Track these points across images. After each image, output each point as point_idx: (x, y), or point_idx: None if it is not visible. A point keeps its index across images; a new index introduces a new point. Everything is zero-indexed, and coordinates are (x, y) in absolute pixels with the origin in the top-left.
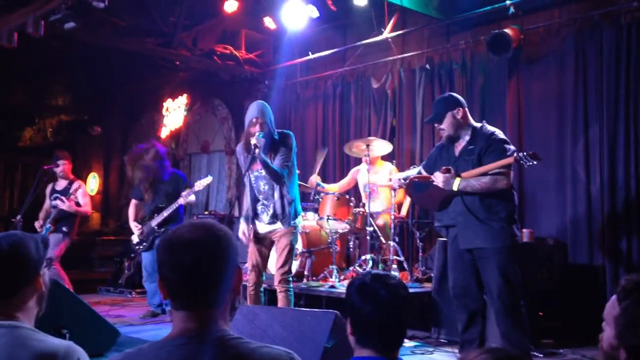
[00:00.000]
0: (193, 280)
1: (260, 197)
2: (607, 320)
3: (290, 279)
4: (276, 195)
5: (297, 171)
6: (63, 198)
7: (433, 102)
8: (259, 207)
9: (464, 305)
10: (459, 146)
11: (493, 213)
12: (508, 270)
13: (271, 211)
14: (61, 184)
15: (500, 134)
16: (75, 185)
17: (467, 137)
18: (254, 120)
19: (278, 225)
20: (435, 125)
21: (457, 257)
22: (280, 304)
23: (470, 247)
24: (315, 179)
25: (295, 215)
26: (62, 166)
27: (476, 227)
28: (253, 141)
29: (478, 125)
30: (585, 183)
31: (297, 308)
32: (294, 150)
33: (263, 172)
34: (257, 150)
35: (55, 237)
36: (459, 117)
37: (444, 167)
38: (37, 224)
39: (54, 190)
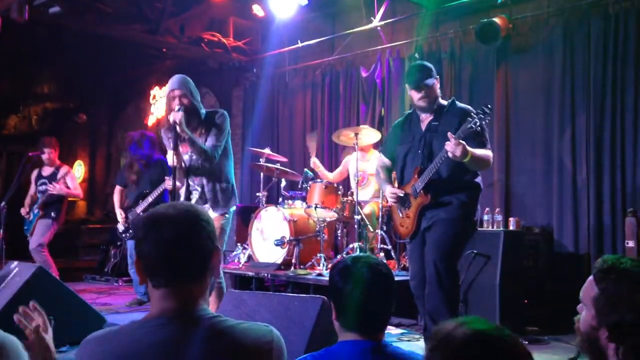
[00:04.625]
0: (173, 255)
1: (191, 182)
2: (585, 301)
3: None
4: (205, 179)
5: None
6: (53, 183)
7: (413, 67)
8: (192, 192)
9: (423, 296)
10: (425, 120)
11: (457, 193)
12: (455, 242)
13: (201, 195)
14: (47, 170)
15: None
16: (63, 170)
17: (433, 112)
18: (171, 94)
19: (210, 212)
20: (415, 93)
21: (414, 245)
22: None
23: (428, 225)
24: (314, 160)
25: (228, 201)
26: (48, 153)
27: (438, 207)
28: (171, 118)
29: (441, 100)
30: (572, 172)
31: (284, 293)
32: (226, 131)
33: (194, 155)
34: (177, 127)
35: (44, 223)
36: (438, 86)
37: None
38: (22, 211)
39: (40, 176)
